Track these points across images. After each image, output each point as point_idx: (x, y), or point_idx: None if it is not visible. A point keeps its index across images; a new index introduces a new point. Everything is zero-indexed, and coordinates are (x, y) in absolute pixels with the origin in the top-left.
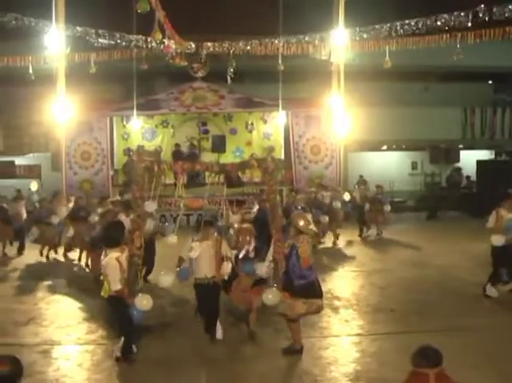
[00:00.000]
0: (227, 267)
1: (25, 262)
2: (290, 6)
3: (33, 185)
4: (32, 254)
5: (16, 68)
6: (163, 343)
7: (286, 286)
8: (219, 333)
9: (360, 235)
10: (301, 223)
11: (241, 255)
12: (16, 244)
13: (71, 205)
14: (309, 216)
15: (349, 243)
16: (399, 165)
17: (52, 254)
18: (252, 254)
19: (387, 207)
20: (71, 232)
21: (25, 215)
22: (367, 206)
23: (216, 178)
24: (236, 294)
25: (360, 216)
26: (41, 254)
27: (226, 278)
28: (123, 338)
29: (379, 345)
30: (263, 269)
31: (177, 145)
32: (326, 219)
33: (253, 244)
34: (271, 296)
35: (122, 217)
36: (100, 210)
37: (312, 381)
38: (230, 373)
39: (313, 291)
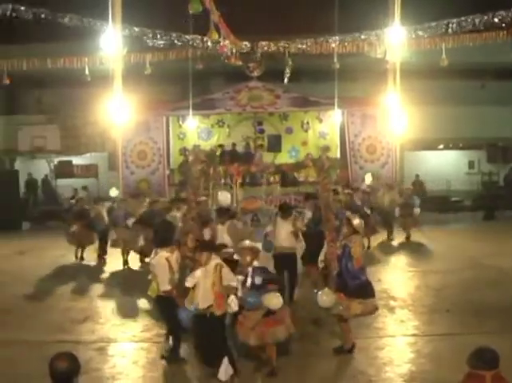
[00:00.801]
0: (232, 302)
1: (86, 263)
2: (345, 4)
3: (113, 191)
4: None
5: (72, 69)
6: None
7: (341, 287)
8: (222, 372)
9: (389, 239)
10: (356, 221)
11: (248, 283)
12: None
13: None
14: None
15: (404, 244)
16: (456, 164)
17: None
18: (259, 281)
19: (417, 211)
20: (141, 241)
21: (106, 217)
22: (397, 211)
23: (272, 178)
24: (242, 331)
25: (387, 221)
26: (124, 261)
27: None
28: (171, 339)
29: (434, 345)
30: (273, 301)
31: (221, 146)
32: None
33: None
34: (325, 297)
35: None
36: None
37: (367, 381)
38: (284, 372)
39: (366, 291)
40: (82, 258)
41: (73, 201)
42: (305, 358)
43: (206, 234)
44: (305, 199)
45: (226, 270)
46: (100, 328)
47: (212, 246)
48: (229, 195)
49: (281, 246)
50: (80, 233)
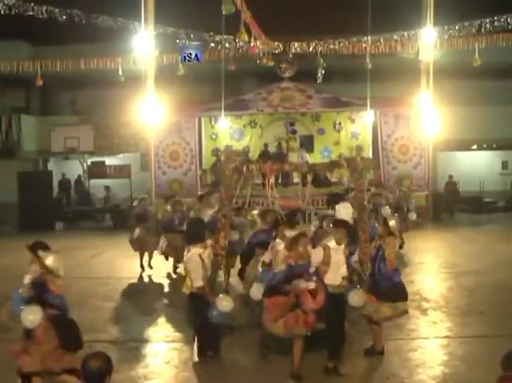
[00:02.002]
0: None
1: (119, 262)
2: (378, 4)
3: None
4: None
5: (105, 69)
6: (250, 343)
7: (372, 289)
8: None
9: None
10: (392, 222)
11: None
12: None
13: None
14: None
15: (437, 245)
16: (489, 165)
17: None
18: None
19: (413, 216)
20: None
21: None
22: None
23: (307, 178)
24: None
25: None
26: (175, 271)
27: None
28: (196, 339)
29: (467, 348)
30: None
31: (265, 145)
32: None
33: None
34: (356, 297)
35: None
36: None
37: None
38: (316, 372)
39: (397, 294)
40: (144, 267)
41: (136, 202)
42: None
43: (317, 254)
44: (328, 202)
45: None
46: (133, 328)
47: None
48: (350, 208)
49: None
50: (144, 238)
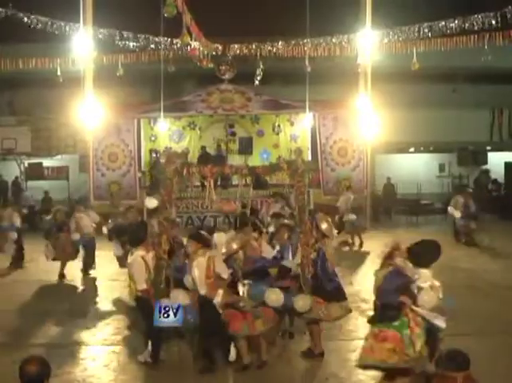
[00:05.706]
0: None
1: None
2: (318, 7)
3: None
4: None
5: (44, 70)
6: (191, 347)
7: (318, 291)
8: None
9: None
10: (324, 225)
11: None
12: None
13: None
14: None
15: (375, 246)
16: (427, 167)
17: None
18: None
19: (351, 217)
20: None
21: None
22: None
23: (244, 180)
24: None
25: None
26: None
27: None
28: (150, 343)
29: None
30: None
31: (203, 147)
32: None
33: None
34: (302, 302)
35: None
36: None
37: None
38: (255, 376)
39: (342, 294)
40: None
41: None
42: (275, 361)
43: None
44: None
45: None
46: (72, 331)
47: None
48: None
49: None
50: None
